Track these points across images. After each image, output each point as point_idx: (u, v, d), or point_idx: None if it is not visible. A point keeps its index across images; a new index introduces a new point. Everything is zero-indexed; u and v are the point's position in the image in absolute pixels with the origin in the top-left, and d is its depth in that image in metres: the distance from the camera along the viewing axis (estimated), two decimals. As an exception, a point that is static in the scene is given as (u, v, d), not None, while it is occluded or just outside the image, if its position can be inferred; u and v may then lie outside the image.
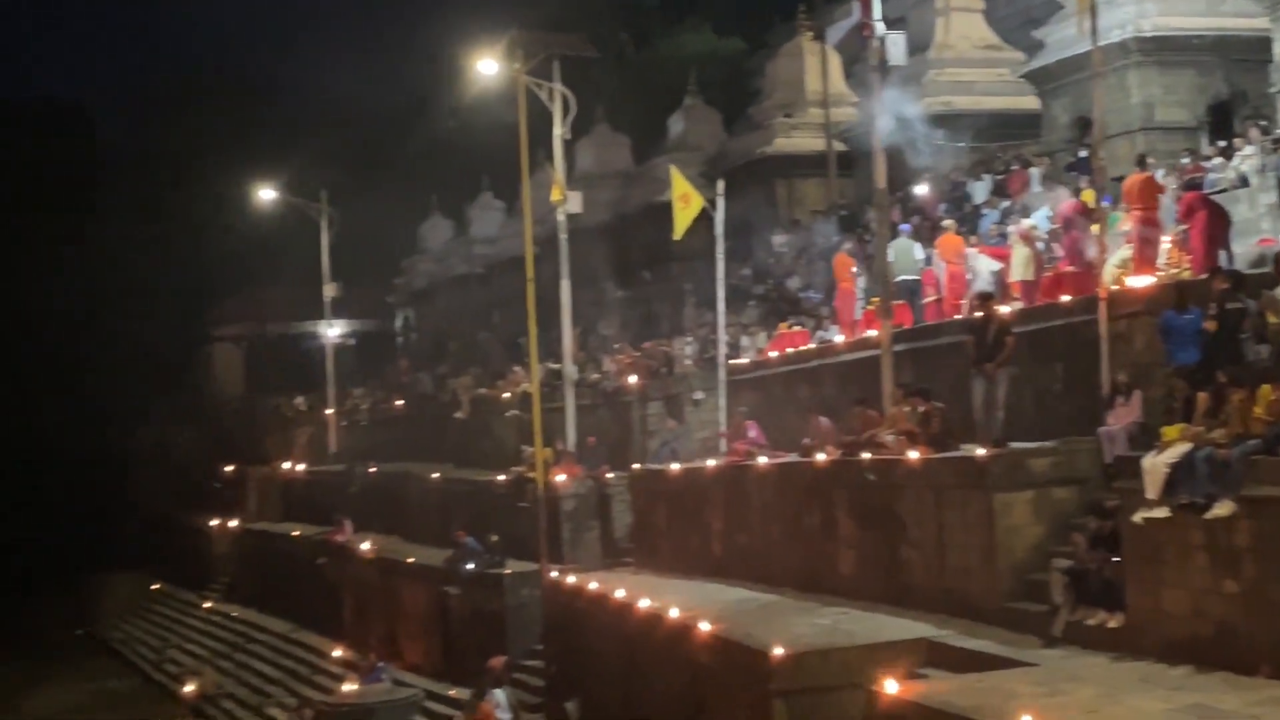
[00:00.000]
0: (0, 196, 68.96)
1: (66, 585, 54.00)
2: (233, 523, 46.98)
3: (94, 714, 37.50)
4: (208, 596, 46.28)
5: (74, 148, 73.73)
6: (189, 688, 37.21)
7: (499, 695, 24.94)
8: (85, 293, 67.02)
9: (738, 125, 40.67)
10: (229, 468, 50.76)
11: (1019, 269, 21.21)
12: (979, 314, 18.10)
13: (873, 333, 22.06)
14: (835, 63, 38.11)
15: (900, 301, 22.29)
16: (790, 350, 26.03)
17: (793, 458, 21.65)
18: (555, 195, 28.86)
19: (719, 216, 26.36)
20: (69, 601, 53.12)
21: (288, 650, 37.11)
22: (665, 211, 33.55)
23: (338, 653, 33.66)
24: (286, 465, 46.82)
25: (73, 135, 75.51)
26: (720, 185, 26.93)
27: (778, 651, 15.43)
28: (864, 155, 28.75)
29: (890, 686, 13.31)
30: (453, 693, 27.32)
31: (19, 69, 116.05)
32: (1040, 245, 21.39)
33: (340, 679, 31.22)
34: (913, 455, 17.67)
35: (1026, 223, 22.05)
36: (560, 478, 27.55)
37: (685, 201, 26.31)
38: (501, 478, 30.65)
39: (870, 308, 23.56)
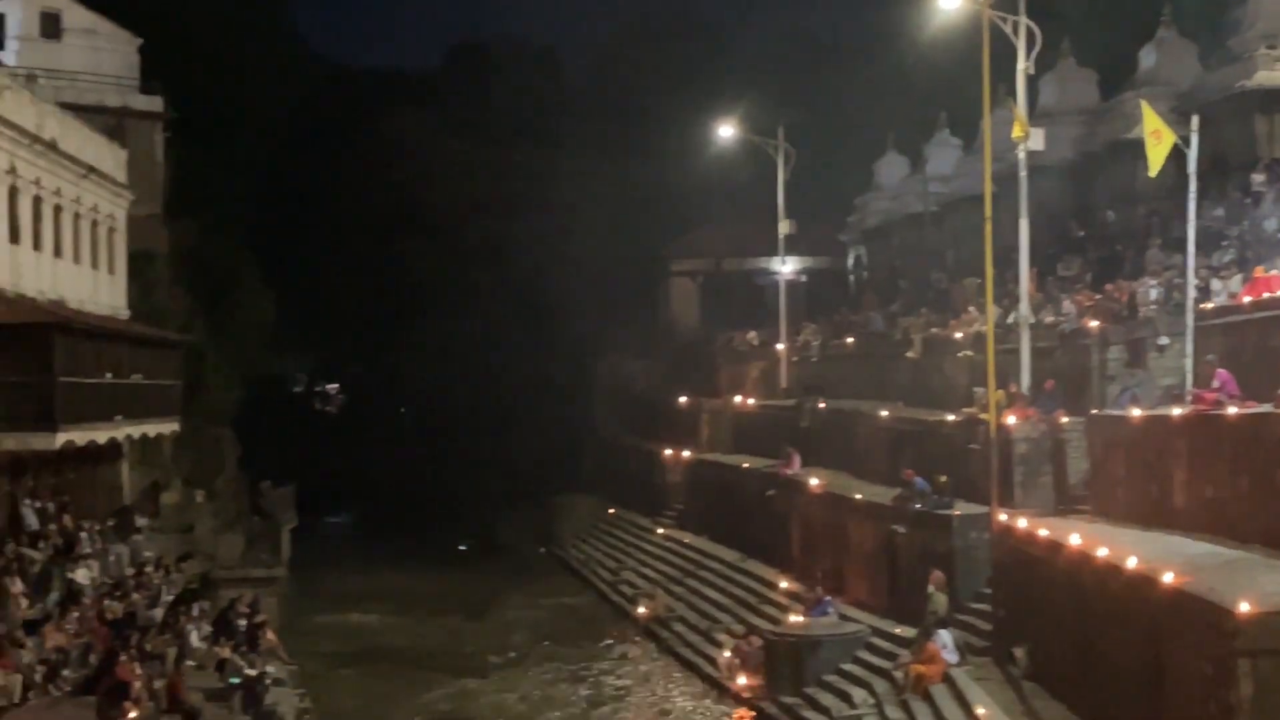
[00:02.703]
0: (475, 134, 72.73)
1: (534, 504, 57.10)
2: (685, 452, 48.35)
3: (553, 627, 39.44)
4: (661, 522, 47.86)
5: (542, 88, 76.97)
6: (642, 609, 38.69)
7: (945, 636, 24.91)
8: (552, 227, 69.97)
9: (1214, 57, 38.51)
10: (683, 399, 52.22)
11: None
12: None
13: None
14: (1327, -12, 35.54)
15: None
16: (1267, 295, 24.61)
17: (1267, 408, 20.52)
18: (1016, 132, 28.14)
19: (1192, 154, 25.11)
20: (536, 520, 56.17)
21: (736, 578, 37.99)
22: (1132, 149, 32.30)
23: (785, 584, 34.26)
24: (738, 398, 47.77)
25: (541, 75, 78.83)
26: (1194, 121, 25.63)
27: (1245, 609, 14.74)
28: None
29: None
30: (899, 630, 27.40)
31: (494, 12, 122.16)
32: None
33: (787, 610, 31.79)
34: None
35: None
36: (1012, 420, 27.07)
37: (1157, 138, 25.12)
38: (952, 418, 30.39)
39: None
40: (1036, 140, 28.63)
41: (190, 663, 27.27)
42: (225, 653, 27.64)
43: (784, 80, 64.49)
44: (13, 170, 31.40)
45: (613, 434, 60.62)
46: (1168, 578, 16.84)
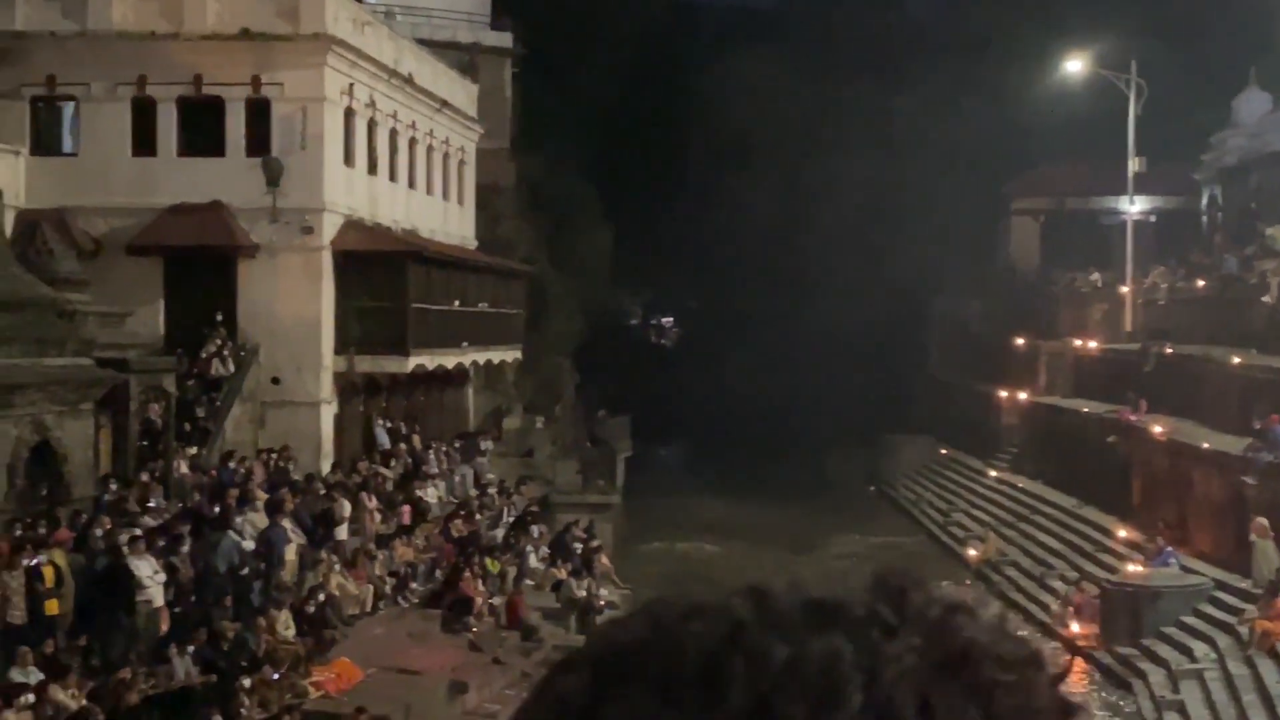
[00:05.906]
0: (814, 70, 72.28)
1: (863, 443, 56.90)
2: (1022, 394, 47.37)
3: (883, 566, 39.26)
4: (994, 465, 47.08)
5: (884, 23, 75.91)
6: (972, 552, 38.22)
7: (1299, 593, 23.84)
8: (888, 163, 69.13)
9: None
10: (1021, 340, 51.11)
11: None
12: None
13: None
14: None
15: None
16: None
17: None
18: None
19: None
20: (866, 458, 55.99)
21: (1071, 525, 37.14)
22: None
23: (1123, 533, 33.32)
24: (1078, 341, 46.49)
25: (884, 10, 77.74)
26: None
27: None
28: None
29: None
30: (1245, 585, 26.37)
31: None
32: None
33: (1125, 559, 30.94)
34: None
35: None
36: (1379, 371, 25.59)
37: None
38: (1312, 366, 28.93)
39: None
40: None
41: (529, 582, 28.27)
42: (562, 574, 28.56)
43: (1137, 11, 61.91)
44: (372, 104, 32.82)
45: (946, 374, 59.83)
46: None
